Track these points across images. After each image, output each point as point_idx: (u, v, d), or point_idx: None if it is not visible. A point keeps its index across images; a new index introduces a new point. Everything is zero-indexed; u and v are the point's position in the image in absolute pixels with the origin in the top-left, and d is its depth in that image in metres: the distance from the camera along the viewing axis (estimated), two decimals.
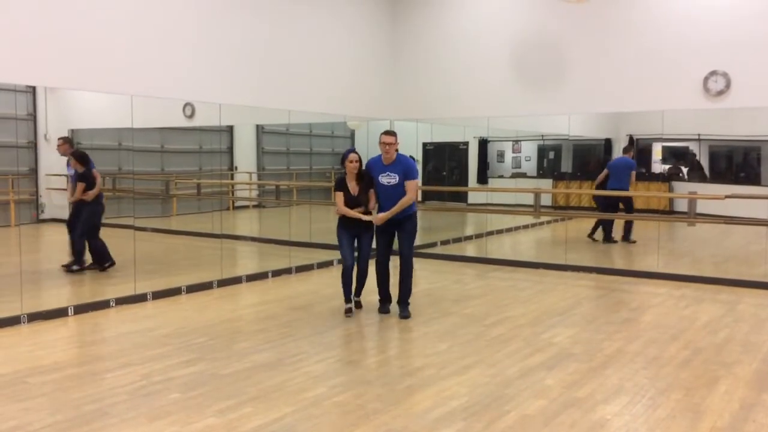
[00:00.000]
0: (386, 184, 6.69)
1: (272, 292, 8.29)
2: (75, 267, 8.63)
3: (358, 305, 7.06)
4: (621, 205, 11.56)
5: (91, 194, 8.58)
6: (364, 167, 6.82)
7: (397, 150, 6.74)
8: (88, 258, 8.77)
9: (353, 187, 6.72)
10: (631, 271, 9.39)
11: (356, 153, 6.75)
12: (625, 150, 11.67)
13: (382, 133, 6.73)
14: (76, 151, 8.82)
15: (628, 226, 11.57)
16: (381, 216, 6.71)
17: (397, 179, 6.65)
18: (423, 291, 8.12)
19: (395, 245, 6.97)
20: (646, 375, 5.06)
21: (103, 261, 8.69)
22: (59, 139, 8.99)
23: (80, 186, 8.54)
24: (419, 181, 7.19)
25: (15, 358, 5.43)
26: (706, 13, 8.77)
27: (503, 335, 6.16)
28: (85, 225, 8.62)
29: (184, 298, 7.80)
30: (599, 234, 11.72)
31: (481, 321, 6.68)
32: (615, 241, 11.62)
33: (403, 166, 6.68)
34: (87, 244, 8.72)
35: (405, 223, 6.80)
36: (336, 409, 4.34)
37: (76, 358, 5.46)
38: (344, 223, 6.80)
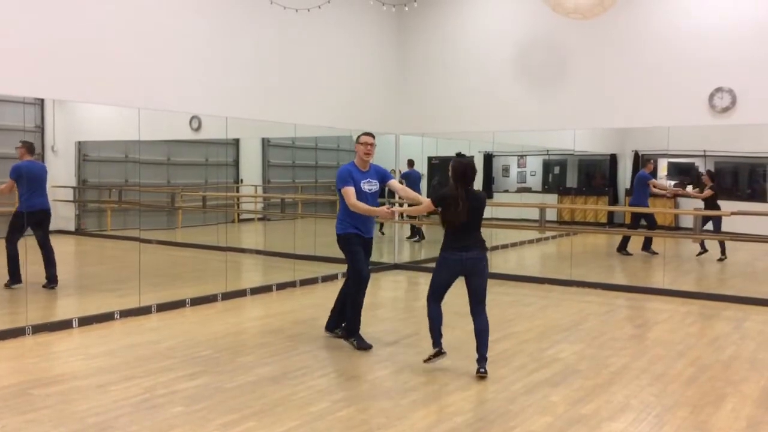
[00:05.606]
0: (368, 191, 6.17)
1: (277, 305, 8.28)
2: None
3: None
4: (643, 221, 11.81)
5: None
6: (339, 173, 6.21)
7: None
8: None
9: None
10: (636, 287, 9.36)
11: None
12: (642, 164, 11.85)
13: (364, 134, 6.19)
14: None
15: (648, 238, 11.75)
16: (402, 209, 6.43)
17: (378, 186, 6.26)
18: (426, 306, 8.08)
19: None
20: (652, 392, 5.03)
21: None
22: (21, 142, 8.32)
23: None
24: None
25: (19, 370, 5.44)
26: (712, 30, 8.79)
27: (508, 351, 6.14)
28: None
29: (188, 310, 7.80)
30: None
31: None
32: (629, 254, 11.80)
33: (378, 172, 6.30)
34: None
35: None
36: (340, 424, 4.32)
37: (80, 371, 5.45)
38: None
